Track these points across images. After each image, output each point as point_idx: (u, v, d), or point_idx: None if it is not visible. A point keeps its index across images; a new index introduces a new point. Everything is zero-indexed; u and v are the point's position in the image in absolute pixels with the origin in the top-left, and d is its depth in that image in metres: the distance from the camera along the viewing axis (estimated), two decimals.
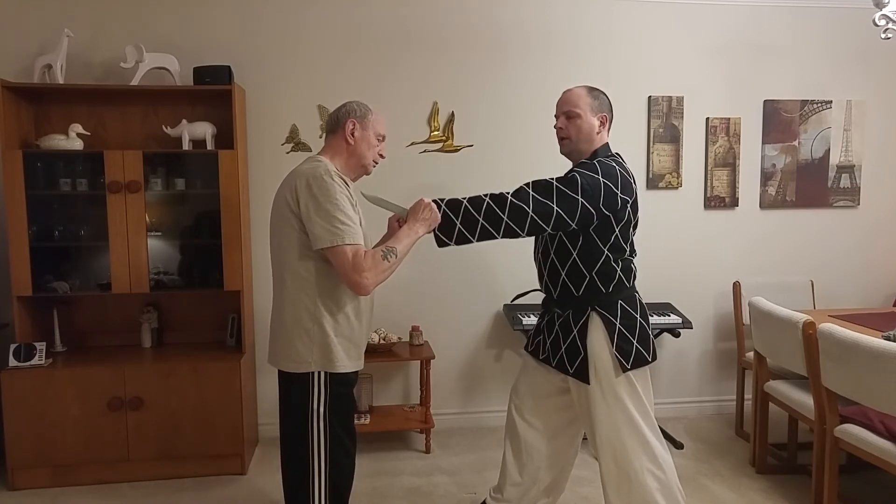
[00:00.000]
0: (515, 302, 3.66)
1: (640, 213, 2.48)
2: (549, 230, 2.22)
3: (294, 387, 2.12)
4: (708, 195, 4.11)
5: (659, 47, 4.00)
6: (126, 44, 3.44)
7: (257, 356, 3.83)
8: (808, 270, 4.22)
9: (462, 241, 2.24)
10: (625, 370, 2.28)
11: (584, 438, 2.53)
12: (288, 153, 3.76)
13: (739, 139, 4.10)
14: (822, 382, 2.79)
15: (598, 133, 2.38)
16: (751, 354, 3.61)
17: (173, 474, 3.35)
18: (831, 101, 4.14)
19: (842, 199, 4.22)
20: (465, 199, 2.25)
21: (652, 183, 4.04)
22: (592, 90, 2.39)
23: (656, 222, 4.05)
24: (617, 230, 2.30)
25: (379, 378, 3.95)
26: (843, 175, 4.20)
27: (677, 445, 3.70)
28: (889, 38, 3.09)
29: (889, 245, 4.32)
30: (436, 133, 3.87)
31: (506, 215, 2.19)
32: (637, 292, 2.41)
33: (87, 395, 3.22)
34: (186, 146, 3.42)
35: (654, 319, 3.66)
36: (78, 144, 3.34)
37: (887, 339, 2.78)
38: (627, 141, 3.95)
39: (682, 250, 4.13)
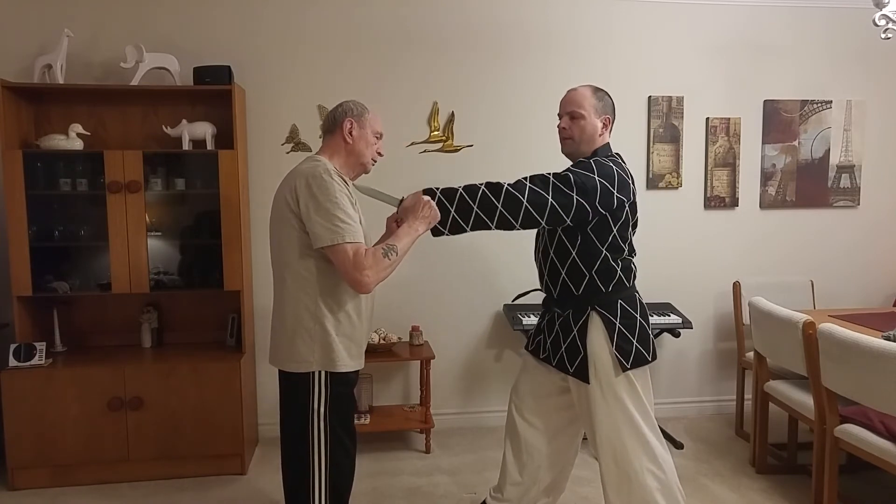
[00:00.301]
0: (515, 302, 3.66)
1: (640, 214, 2.48)
2: (543, 223, 2.21)
3: (295, 386, 2.12)
4: (708, 195, 4.11)
5: (659, 47, 4.00)
6: (126, 44, 3.44)
7: (257, 356, 3.83)
8: (808, 270, 4.22)
9: (456, 229, 2.23)
10: (624, 370, 2.28)
11: (584, 438, 2.53)
12: (288, 153, 3.76)
13: (739, 139, 4.10)
14: (822, 382, 2.79)
15: (600, 135, 2.38)
16: (751, 354, 3.61)
17: (173, 474, 3.35)
18: (831, 101, 4.14)
19: (842, 199, 4.22)
20: (460, 187, 2.25)
21: (652, 183, 4.04)
22: (597, 91, 2.39)
23: (656, 222, 4.05)
24: (615, 230, 2.30)
25: (379, 378, 3.95)
26: (843, 175, 4.20)
27: (677, 445, 3.70)
28: (889, 38, 3.09)
29: (889, 245, 4.32)
30: (436, 133, 3.87)
31: (500, 204, 2.19)
32: (637, 292, 2.40)
33: (87, 395, 3.22)
34: (186, 146, 3.42)
35: (654, 319, 3.66)
36: (78, 144, 3.34)
37: (887, 339, 2.78)
38: (627, 141, 3.95)
39: (682, 250, 4.13)
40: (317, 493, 2.12)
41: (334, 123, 2.21)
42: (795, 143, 4.15)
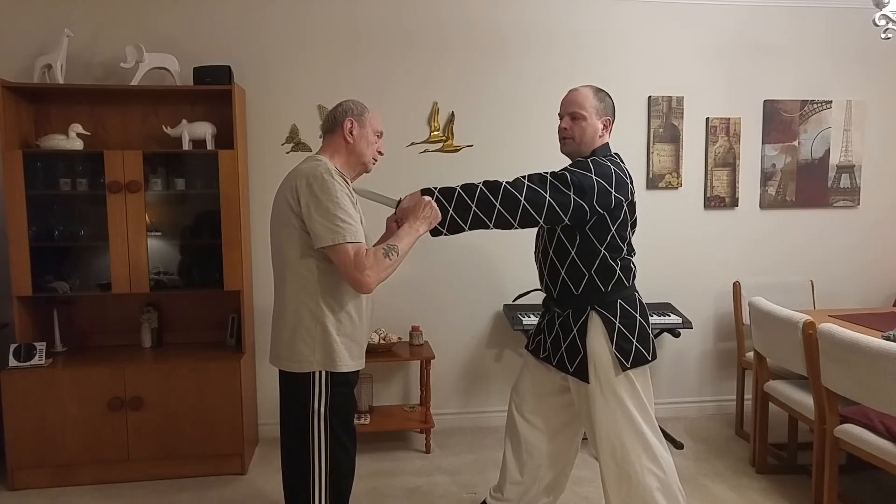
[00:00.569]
0: (515, 302, 3.66)
1: (640, 214, 2.48)
2: (541, 221, 2.21)
3: (295, 386, 2.12)
4: (708, 195, 4.11)
5: (659, 47, 4.00)
6: (126, 44, 3.44)
7: (257, 356, 3.83)
8: (808, 270, 4.22)
9: (455, 229, 2.23)
10: (624, 369, 2.28)
11: (584, 438, 2.54)
12: (288, 153, 3.76)
13: (739, 139, 4.10)
14: (822, 382, 2.79)
15: (600, 136, 2.38)
16: (751, 354, 3.61)
17: (173, 474, 3.35)
18: (831, 101, 4.14)
19: (842, 199, 4.22)
20: (458, 186, 2.25)
21: (652, 183, 4.04)
22: (598, 91, 2.39)
23: (656, 222, 4.05)
24: (613, 229, 2.30)
25: (379, 378, 3.95)
26: (843, 175, 4.20)
27: (677, 445, 3.70)
28: (889, 38, 3.09)
29: (889, 245, 4.32)
30: (436, 133, 3.87)
31: (498, 202, 2.19)
32: (637, 291, 2.41)
33: (87, 395, 3.22)
34: (186, 146, 3.42)
35: (654, 319, 3.66)
36: (78, 144, 3.34)
37: (887, 339, 2.78)
38: (627, 141, 3.95)
39: (682, 250, 4.13)
40: (317, 492, 2.12)
41: (334, 123, 2.21)
42: (795, 143, 4.15)
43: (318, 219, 2.00)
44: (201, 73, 3.40)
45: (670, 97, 4.01)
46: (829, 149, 4.17)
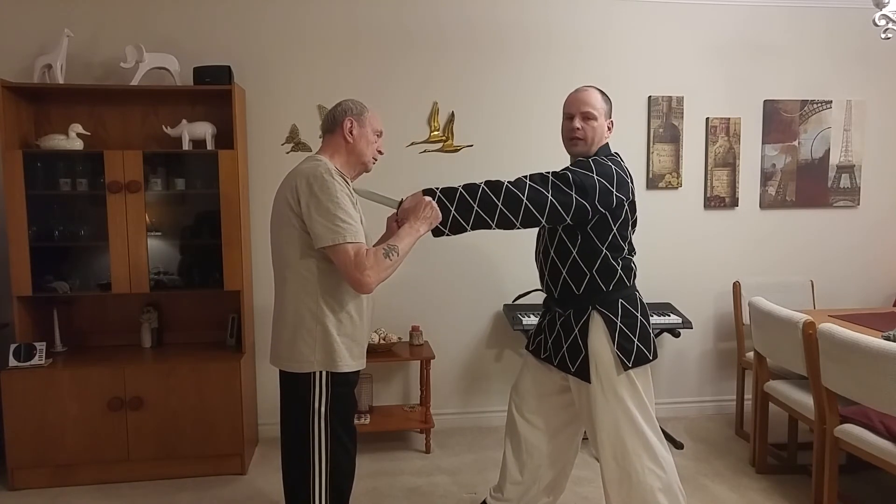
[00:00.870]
0: (516, 302, 3.67)
1: (640, 213, 2.48)
2: (543, 221, 2.21)
3: (296, 386, 2.12)
4: (708, 195, 4.11)
5: (659, 47, 4.00)
6: (126, 44, 3.44)
7: (257, 356, 3.83)
8: (808, 270, 4.22)
9: (457, 229, 2.22)
10: (626, 368, 2.28)
11: (585, 438, 2.54)
12: (288, 153, 3.76)
13: (739, 139, 4.10)
14: (822, 382, 2.79)
15: (606, 137, 2.38)
16: (751, 354, 3.61)
17: (173, 474, 3.34)
18: (831, 101, 4.14)
19: (842, 199, 4.22)
20: (460, 186, 2.24)
21: (652, 183, 4.04)
22: (603, 93, 2.39)
23: (656, 222, 4.05)
24: (615, 229, 2.30)
25: (379, 378, 3.95)
26: (843, 175, 4.20)
27: (677, 445, 3.70)
28: (889, 38, 3.09)
29: (889, 245, 4.32)
30: (436, 133, 3.87)
31: (500, 202, 2.19)
32: (637, 291, 2.41)
33: (87, 395, 3.22)
34: (186, 146, 3.42)
35: (654, 319, 3.66)
36: (78, 144, 3.34)
37: (887, 339, 2.79)
38: (627, 141, 3.95)
39: (682, 250, 4.13)
40: (317, 492, 2.12)
41: (334, 123, 2.20)
42: (795, 143, 4.15)
43: (319, 219, 2.00)
44: (201, 73, 3.40)
45: (670, 97, 4.01)
46: (829, 149, 4.17)
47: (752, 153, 4.13)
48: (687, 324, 3.70)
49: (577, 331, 2.33)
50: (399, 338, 3.72)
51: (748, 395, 3.73)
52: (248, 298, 3.58)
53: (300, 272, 2.08)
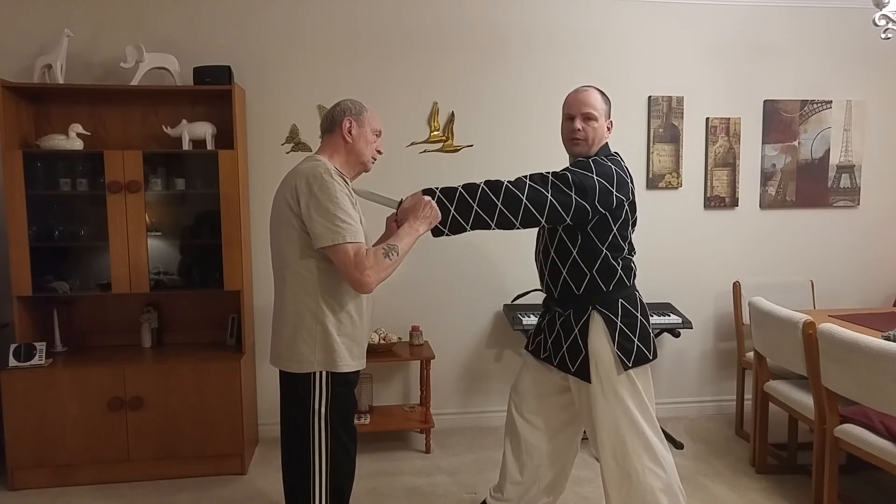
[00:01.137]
0: (515, 302, 3.67)
1: (640, 213, 2.48)
2: (543, 221, 2.21)
3: (296, 387, 2.11)
4: (708, 195, 4.11)
5: (659, 47, 4.00)
6: (126, 44, 3.44)
7: (257, 356, 3.83)
8: (808, 270, 4.22)
9: (456, 229, 2.22)
10: (626, 368, 2.28)
11: (585, 438, 2.54)
12: (288, 153, 3.76)
13: (739, 139, 4.10)
14: (822, 382, 2.79)
15: (605, 137, 2.38)
16: (751, 354, 3.61)
17: (173, 474, 3.34)
18: (831, 101, 4.14)
19: (842, 199, 4.22)
20: (460, 186, 2.24)
21: (652, 183, 4.04)
22: (603, 93, 2.39)
23: (656, 222, 4.05)
24: (615, 229, 2.30)
25: (379, 378, 3.95)
26: (843, 175, 4.20)
27: (677, 445, 3.70)
28: (889, 38, 3.09)
29: (889, 245, 4.32)
30: (436, 133, 3.87)
31: (500, 201, 2.18)
32: (637, 291, 2.41)
33: (87, 395, 3.22)
34: (186, 146, 3.42)
35: (654, 319, 3.66)
36: (78, 144, 3.34)
37: (887, 339, 2.79)
38: (627, 141, 3.95)
39: (682, 250, 4.13)
40: (317, 492, 2.12)
41: (333, 123, 2.20)
42: (795, 143, 4.15)
43: (318, 219, 2.00)
44: (201, 73, 3.40)
45: (670, 97, 4.01)
46: (829, 149, 4.17)
47: (752, 153, 4.13)
48: (687, 324, 3.70)
49: (577, 331, 2.33)
50: (399, 338, 3.72)
51: (748, 395, 3.73)
52: (248, 298, 3.58)
53: (300, 272, 2.08)
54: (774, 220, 4.20)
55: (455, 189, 2.23)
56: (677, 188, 4.08)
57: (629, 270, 2.36)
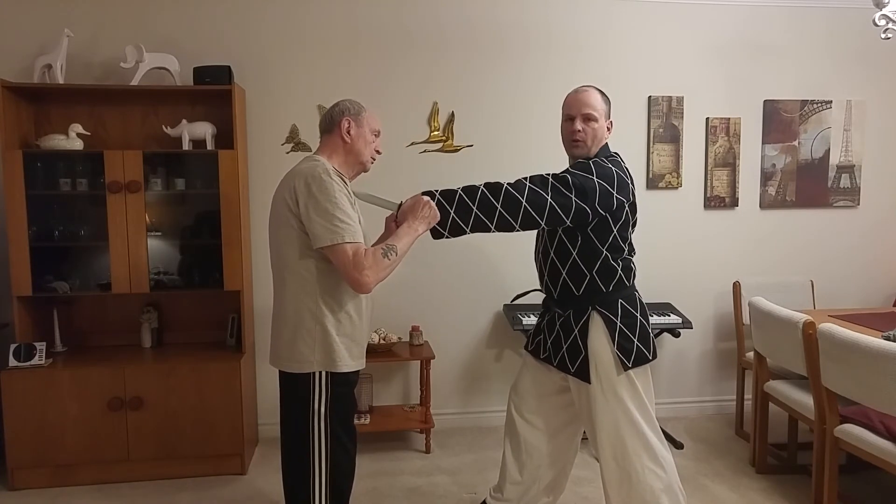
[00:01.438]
0: (515, 302, 3.66)
1: (640, 213, 2.48)
2: (543, 223, 2.20)
3: (295, 387, 2.12)
4: (708, 195, 4.11)
5: (659, 47, 4.00)
6: (126, 44, 3.44)
7: (257, 356, 3.83)
8: (808, 270, 4.22)
9: (456, 231, 2.22)
10: (626, 368, 2.28)
11: (584, 438, 2.54)
12: (288, 153, 3.76)
13: (739, 139, 4.10)
14: (822, 382, 2.79)
15: (605, 138, 2.37)
16: (751, 354, 3.61)
17: (173, 474, 3.35)
18: (831, 101, 4.14)
19: (842, 199, 4.22)
20: (459, 188, 2.24)
21: (652, 183, 4.04)
22: (602, 93, 2.38)
23: (656, 222, 4.05)
24: (615, 230, 2.30)
25: (379, 378, 3.95)
26: (843, 175, 4.20)
27: (677, 445, 3.70)
28: (889, 38, 3.09)
29: (889, 245, 4.32)
30: (436, 133, 3.87)
31: (499, 204, 2.18)
32: (637, 291, 2.41)
33: (87, 395, 3.22)
34: (186, 146, 3.42)
35: (654, 319, 3.66)
36: (78, 144, 3.34)
37: (887, 339, 2.78)
38: (627, 141, 3.95)
39: (682, 250, 4.13)
40: (317, 493, 2.12)
41: (332, 123, 2.20)
42: (795, 143, 4.14)
43: (317, 219, 2.00)
44: (201, 73, 3.40)
45: (670, 97, 4.01)
46: (829, 149, 4.17)
47: (752, 153, 4.13)
48: (687, 324, 3.70)
49: (576, 331, 2.33)
50: (399, 338, 3.72)
51: (748, 395, 3.73)
52: (248, 298, 3.58)
53: (299, 272, 2.08)
54: (774, 220, 4.20)
55: (454, 191, 2.23)
56: (677, 188, 4.08)
57: (629, 271, 2.36)
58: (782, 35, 4.09)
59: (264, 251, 3.58)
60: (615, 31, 3.95)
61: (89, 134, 3.44)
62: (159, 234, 3.53)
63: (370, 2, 3.77)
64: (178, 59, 3.46)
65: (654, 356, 2.36)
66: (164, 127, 3.49)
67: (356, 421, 3.04)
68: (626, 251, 2.36)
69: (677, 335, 3.81)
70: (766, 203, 4.16)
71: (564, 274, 2.34)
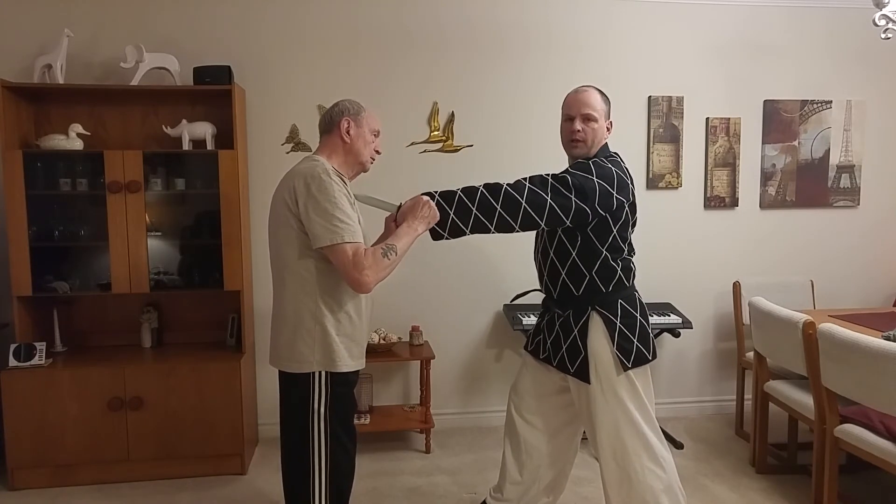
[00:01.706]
0: (515, 302, 3.66)
1: (640, 213, 2.48)
2: (542, 224, 2.20)
3: (295, 387, 2.12)
4: (708, 195, 4.11)
5: (659, 47, 4.00)
6: (126, 44, 3.44)
7: (257, 356, 3.83)
8: (808, 270, 4.22)
9: (456, 232, 2.22)
10: (626, 369, 2.28)
11: (584, 438, 2.54)
12: (288, 153, 3.77)
13: (739, 139, 4.10)
14: (822, 382, 2.79)
15: (605, 138, 2.37)
16: (751, 354, 3.61)
17: (173, 474, 3.35)
18: (831, 101, 4.14)
19: (842, 199, 4.22)
20: (459, 189, 2.24)
21: (652, 183, 4.04)
22: (602, 93, 2.38)
23: (656, 222, 4.05)
24: (615, 230, 2.30)
25: (379, 378, 3.95)
26: (843, 175, 4.20)
27: (677, 445, 3.70)
28: (889, 38, 3.09)
29: (889, 245, 4.32)
30: (436, 133, 3.87)
31: (499, 205, 2.18)
32: (637, 291, 2.40)
33: (87, 395, 3.22)
34: (186, 146, 3.42)
35: (654, 319, 3.66)
36: (78, 144, 3.34)
37: (887, 339, 2.78)
38: (627, 141, 3.95)
39: (682, 250, 4.13)
40: (317, 493, 2.12)
41: (331, 123, 2.21)
42: (795, 143, 4.14)
43: (316, 219, 2.00)
44: (201, 73, 3.40)
45: (670, 97, 4.01)
46: (829, 149, 4.17)
47: (752, 153, 4.13)
48: (687, 324, 3.70)
49: (576, 331, 2.33)
50: (399, 338, 3.72)
51: (748, 395, 3.73)
52: (248, 298, 3.59)
53: (299, 272, 2.08)
54: (774, 220, 4.20)
55: (454, 192, 2.22)
56: (677, 188, 4.08)
57: (628, 271, 2.36)
58: (782, 35, 4.09)
59: (264, 251, 3.58)
60: (615, 31, 3.95)
61: (89, 134, 3.44)
62: (159, 234, 3.53)
63: (370, 2, 3.77)
64: (178, 59, 3.46)
65: (654, 356, 2.36)
66: (164, 127, 3.49)
67: (356, 421, 3.04)
68: (626, 251, 2.35)
69: (677, 335, 3.81)
70: (766, 203, 4.16)
71: (564, 274, 2.34)
